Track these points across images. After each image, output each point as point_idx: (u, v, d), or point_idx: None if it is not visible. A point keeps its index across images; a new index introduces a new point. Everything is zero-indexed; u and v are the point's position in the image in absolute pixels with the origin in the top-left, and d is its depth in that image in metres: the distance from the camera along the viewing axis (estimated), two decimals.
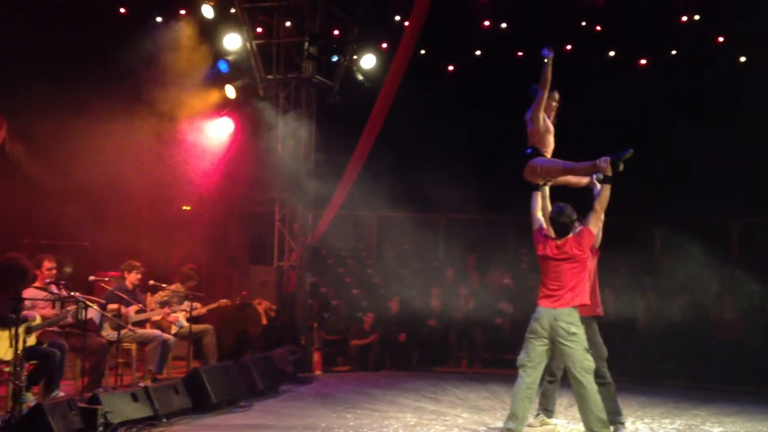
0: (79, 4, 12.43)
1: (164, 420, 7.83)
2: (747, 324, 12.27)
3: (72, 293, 8.42)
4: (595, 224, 7.28)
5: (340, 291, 14.72)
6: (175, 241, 13.59)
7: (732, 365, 11.66)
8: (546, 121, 7.84)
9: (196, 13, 12.85)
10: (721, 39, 14.79)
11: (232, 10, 12.72)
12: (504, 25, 15.44)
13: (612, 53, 15.50)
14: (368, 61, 13.33)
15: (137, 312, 9.80)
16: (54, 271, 8.91)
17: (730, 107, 13.37)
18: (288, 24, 12.62)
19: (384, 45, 14.41)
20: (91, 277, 9.73)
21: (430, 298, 13.96)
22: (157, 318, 10.14)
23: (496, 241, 15.81)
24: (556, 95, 7.95)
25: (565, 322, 7.02)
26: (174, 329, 10.26)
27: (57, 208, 11.22)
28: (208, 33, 12.80)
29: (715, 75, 13.85)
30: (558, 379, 8.16)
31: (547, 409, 8.25)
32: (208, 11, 12.71)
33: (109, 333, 9.41)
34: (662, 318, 12.53)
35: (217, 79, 12.91)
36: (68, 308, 8.42)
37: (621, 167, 7.18)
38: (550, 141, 7.87)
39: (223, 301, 10.98)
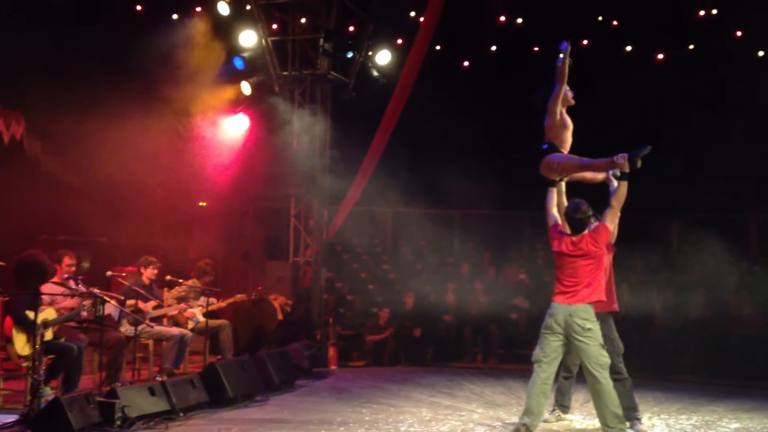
0: (96, 3, 12.50)
1: (181, 414, 7.87)
2: (765, 320, 12.21)
3: (90, 289, 8.49)
4: (612, 221, 7.25)
5: (355, 286, 14.76)
6: (192, 236, 13.67)
7: (749, 361, 11.57)
8: (564, 116, 7.78)
9: (211, 10, 12.90)
10: (738, 33, 14.70)
11: (248, 7, 12.75)
12: (519, 20, 15.42)
13: (628, 48, 15.43)
14: (383, 57, 13.34)
15: (154, 308, 9.86)
16: (73, 267, 8.97)
17: (747, 102, 13.29)
18: (303, 20, 12.64)
19: (399, 41, 14.42)
20: (109, 273, 9.81)
21: (446, 293, 13.96)
22: (173, 313, 10.20)
23: (511, 236, 15.80)
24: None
25: (580, 318, 7.01)
26: (191, 324, 10.31)
27: (75, 204, 11.30)
28: (224, 30, 12.85)
29: (732, 70, 13.77)
30: (573, 375, 8.15)
31: (562, 404, 8.24)
32: (223, 8, 12.75)
33: (126, 328, 9.47)
34: (679, 314, 12.47)
35: (232, 76, 12.94)
36: (83, 303, 8.48)
37: (639, 164, 7.14)
38: (568, 137, 7.80)
39: (240, 297, 11.02)
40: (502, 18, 15.41)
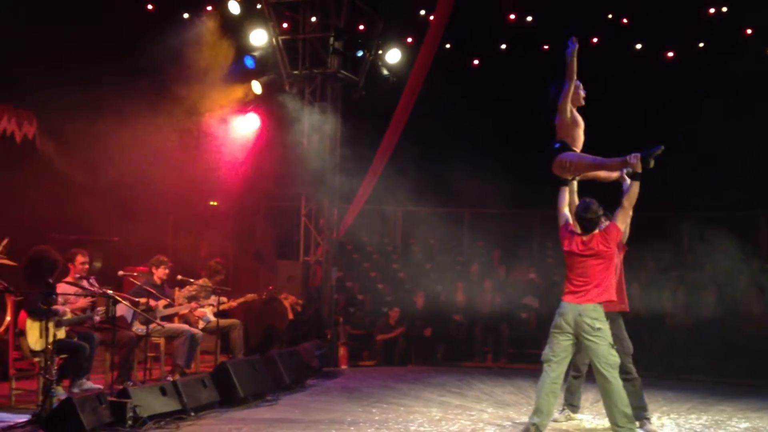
0: (107, 2, 12.54)
1: (192, 414, 7.89)
2: None
3: (103, 289, 8.53)
4: (623, 221, 7.23)
5: (365, 286, 14.77)
6: (203, 236, 13.71)
7: (760, 360, 11.52)
8: (574, 114, 7.75)
9: (222, 9, 12.94)
10: (749, 31, 14.63)
11: (258, 6, 12.80)
12: (530, 18, 15.39)
13: (639, 46, 15.38)
14: (393, 55, 13.36)
15: (165, 307, 9.90)
16: (87, 266, 9.00)
17: (757, 100, 13.23)
18: (313, 19, 12.67)
19: (409, 39, 14.42)
20: (121, 272, 9.85)
21: (456, 292, 13.96)
22: (184, 312, 10.24)
23: (521, 235, 15.78)
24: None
25: (590, 318, 7.01)
26: (201, 324, 10.34)
27: (86, 203, 11.34)
28: (234, 29, 12.88)
29: (742, 67, 13.70)
30: (583, 374, 8.15)
31: (572, 404, 8.24)
32: (234, 7, 12.80)
33: (138, 328, 9.51)
34: (690, 313, 12.44)
35: (243, 75, 12.97)
36: (97, 308, 8.56)
37: (651, 164, 7.12)
38: (580, 135, 7.76)
39: (250, 296, 11.04)
40: (512, 16, 15.38)
